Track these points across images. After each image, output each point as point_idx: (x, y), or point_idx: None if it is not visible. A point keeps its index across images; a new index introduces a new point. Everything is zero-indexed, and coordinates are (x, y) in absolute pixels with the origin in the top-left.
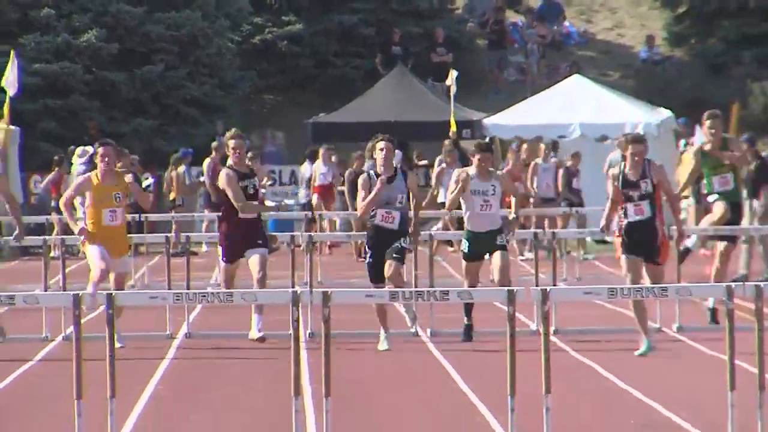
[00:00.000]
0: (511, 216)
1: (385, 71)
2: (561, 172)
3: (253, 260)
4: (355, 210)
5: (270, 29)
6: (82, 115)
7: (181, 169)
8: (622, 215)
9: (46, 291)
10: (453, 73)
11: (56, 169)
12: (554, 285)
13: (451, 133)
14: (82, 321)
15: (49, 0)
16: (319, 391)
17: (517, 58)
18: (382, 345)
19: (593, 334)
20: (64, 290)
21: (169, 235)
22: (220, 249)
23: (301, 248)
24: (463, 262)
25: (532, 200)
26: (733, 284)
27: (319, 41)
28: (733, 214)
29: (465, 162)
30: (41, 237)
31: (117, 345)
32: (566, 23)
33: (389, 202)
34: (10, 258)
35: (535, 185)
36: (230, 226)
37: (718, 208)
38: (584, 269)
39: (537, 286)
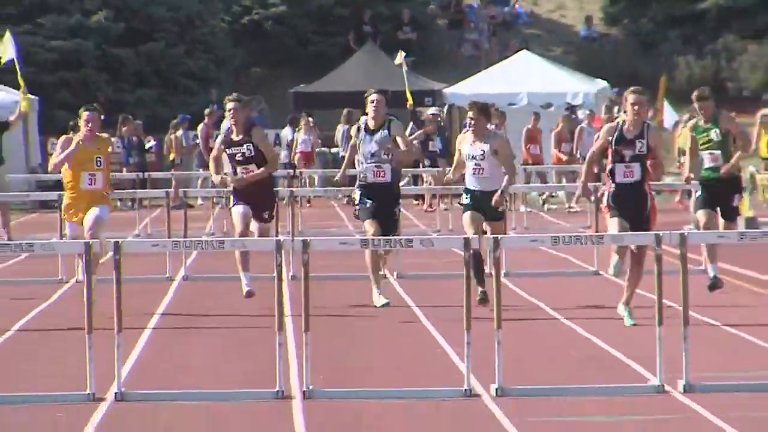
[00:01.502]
0: (500, 189)
1: (357, 47)
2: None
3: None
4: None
5: (257, 11)
6: (93, 86)
7: (179, 132)
8: (609, 179)
9: (61, 239)
10: (401, 54)
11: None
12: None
13: (408, 105)
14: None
15: None
16: (299, 326)
17: (473, 36)
18: (380, 300)
19: (540, 276)
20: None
21: (168, 190)
22: (234, 199)
23: (284, 202)
24: (464, 214)
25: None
26: (660, 232)
27: (300, 21)
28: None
29: (419, 127)
30: (57, 192)
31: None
32: (516, 5)
33: (375, 155)
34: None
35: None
36: (234, 190)
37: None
38: (531, 220)
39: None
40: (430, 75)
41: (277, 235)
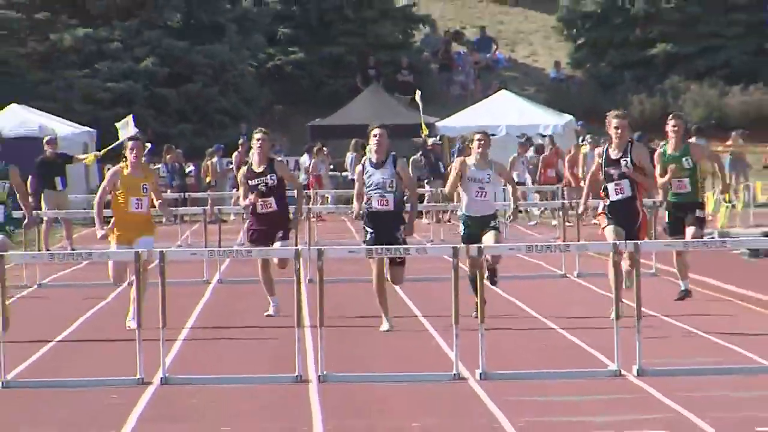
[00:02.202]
0: (511, 206)
1: (363, 87)
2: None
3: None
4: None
5: (279, 57)
6: (142, 121)
7: (215, 159)
8: (605, 197)
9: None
10: (418, 93)
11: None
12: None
13: (424, 135)
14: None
15: (119, 36)
16: (315, 321)
17: (460, 78)
18: (384, 326)
19: (517, 279)
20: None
21: (205, 208)
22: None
23: (302, 217)
24: (462, 245)
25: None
26: (618, 242)
27: (315, 66)
28: (687, 215)
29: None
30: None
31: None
32: (496, 52)
33: (380, 187)
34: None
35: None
36: (253, 219)
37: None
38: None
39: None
40: (424, 111)
41: (296, 245)
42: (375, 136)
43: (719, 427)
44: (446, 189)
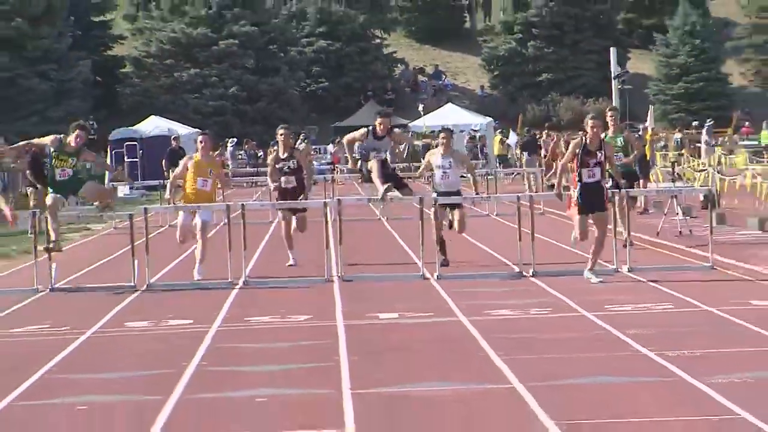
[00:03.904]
0: (471, 179)
1: (364, 103)
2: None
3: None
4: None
5: (313, 85)
6: (231, 126)
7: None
8: (578, 181)
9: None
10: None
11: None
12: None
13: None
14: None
15: (216, 73)
16: (337, 243)
17: (423, 96)
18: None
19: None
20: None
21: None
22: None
23: (327, 182)
24: (433, 208)
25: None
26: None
27: (335, 90)
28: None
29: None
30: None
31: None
32: (445, 80)
33: (377, 150)
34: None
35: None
36: (279, 191)
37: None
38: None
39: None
40: (401, 116)
41: (325, 198)
42: (379, 123)
43: (582, 305)
44: (417, 172)
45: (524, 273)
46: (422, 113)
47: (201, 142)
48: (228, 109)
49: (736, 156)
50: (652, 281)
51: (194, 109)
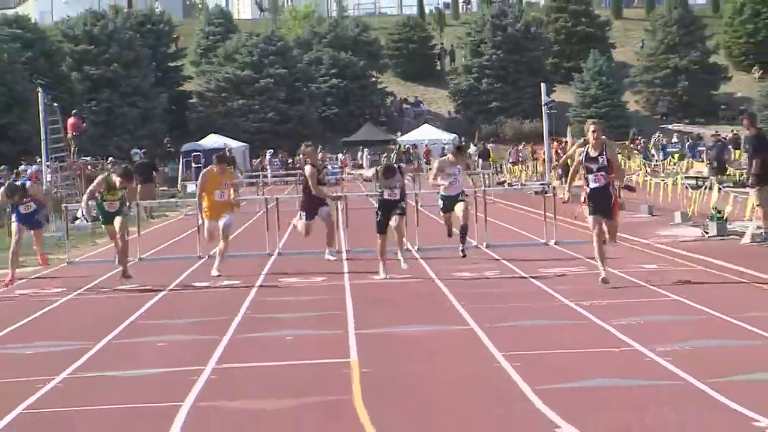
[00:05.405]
0: (470, 181)
1: (364, 123)
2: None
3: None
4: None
5: (327, 112)
6: (269, 141)
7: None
8: (585, 185)
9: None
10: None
11: (260, 157)
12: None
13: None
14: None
15: (257, 103)
16: (345, 226)
17: (407, 118)
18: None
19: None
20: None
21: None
22: (302, 213)
23: (337, 184)
24: (441, 213)
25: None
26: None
27: (342, 115)
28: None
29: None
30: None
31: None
32: (422, 106)
33: (391, 187)
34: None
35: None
36: (306, 198)
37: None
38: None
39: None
40: (391, 133)
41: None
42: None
43: (521, 268)
44: (430, 179)
45: (479, 245)
46: (405, 131)
47: (216, 163)
48: (266, 128)
49: (631, 161)
50: (573, 252)
51: (242, 129)
